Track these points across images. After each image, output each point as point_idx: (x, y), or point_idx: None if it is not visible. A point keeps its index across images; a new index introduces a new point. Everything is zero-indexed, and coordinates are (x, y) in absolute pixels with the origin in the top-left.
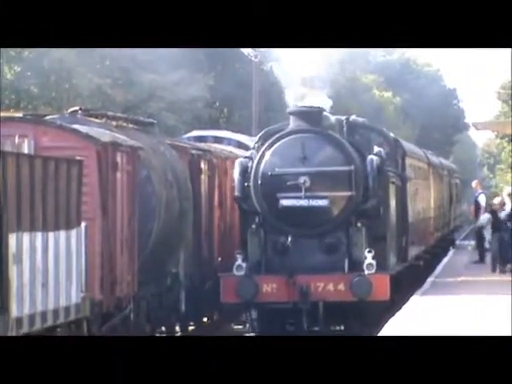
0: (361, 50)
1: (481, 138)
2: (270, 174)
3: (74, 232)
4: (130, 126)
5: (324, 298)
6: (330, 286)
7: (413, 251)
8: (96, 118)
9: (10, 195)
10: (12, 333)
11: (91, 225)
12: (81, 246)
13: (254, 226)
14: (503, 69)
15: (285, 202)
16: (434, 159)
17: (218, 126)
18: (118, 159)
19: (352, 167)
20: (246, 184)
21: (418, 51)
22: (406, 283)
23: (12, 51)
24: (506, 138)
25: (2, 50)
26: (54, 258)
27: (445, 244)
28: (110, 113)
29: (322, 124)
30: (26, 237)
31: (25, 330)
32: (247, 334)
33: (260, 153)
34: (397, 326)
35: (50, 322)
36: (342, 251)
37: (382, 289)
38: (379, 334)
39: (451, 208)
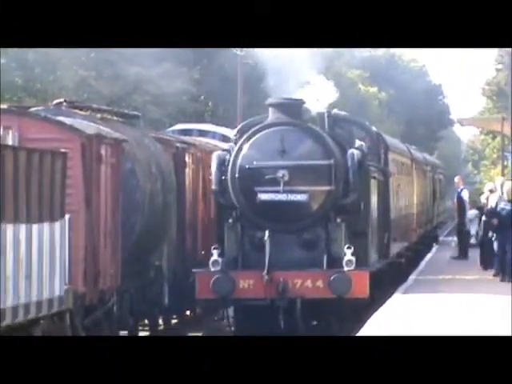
0: None
1: (465, 134)
2: (247, 167)
3: (57, 224)
4: (115, 118)
5: (302, 295)
6: (308, 283)
7: (395, 248)
8: (81, 110)
9: None
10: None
11: (75, 217)
12: (64, 239)
13: (230, 221)
14: (488, 65)
15: (263, 197)
16: (418, 154)
17: (203, 119)
18: (103, 152)
19: (332, 161)
20: (223, 177)
21: (405, 52)
22: (388, 280)
23: None
24: (491, 135)
25: None
26: (37, 250)
27: (428, 241)
28: (94, 105)
29: (303, 117)
30: (9, 228)
31: (7, 321)
32: (227, 330)
33: (238, 146)
34: (377, 324)
35: (33, 314)
36: (320, 247)
37: (361, 286)
38: (359, 333)
39: (435, 204)
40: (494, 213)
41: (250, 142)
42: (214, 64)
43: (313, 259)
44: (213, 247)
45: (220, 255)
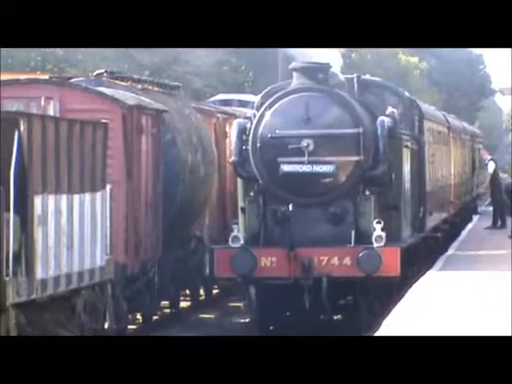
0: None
1: (507, 104)
2: (269, 136)
3: (98, 195)
4: (156, 89)
5: (328, 273)
6: (335, 260)
7: (431, 221)
8: (121, 80)
9: (35, 158)
10: (37, 294)
11: (116, 188)
12: (106, 209)
13: (252, 194)
14: None
15: (286, 168)
16: (456, 123)
17: (244, 89)
18: (143, 122)
19: (360, 129)
20: (243, 147)
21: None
22: (423, 256)
23: None
24: None
25: None
26: (78, 221)
27: (467, 212)
28: (135, 76)
29: (329, 82)
30: (51, 199)
31: (50, 291)
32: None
33: (260, 113)
34: (407, 306)
35: (74, 285)
36: (348, 222)
37: (391, 263)
38: (387, 319)
39: (474, 174)
40: None
41: (273, 109)
42: None
43: (340, 235)
44: (233, 222)
45: (241, 231)
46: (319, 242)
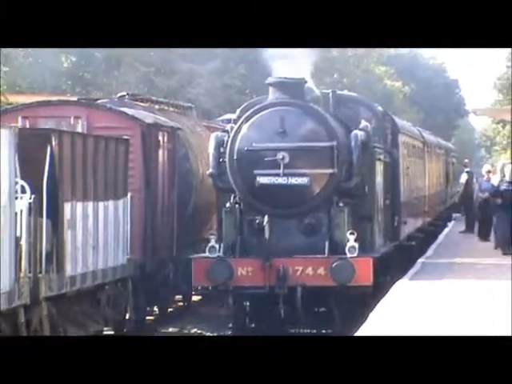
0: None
1: (479, 123)
2: (246, 149)
3: (121, 202)
4: (171, 109)
5: (302, 283)
6: (309, 270)
7: (405, 230)
8: (141, 101)
9: (65, 169)
10: (66, 289)
11: (136, 195)
12: (127, 215)
13: (228, 205)
14: (499, 63)
15: (262, 180)
16: (431, 138)
17: None
18: (160, 138)
19: (334, 143)
20: (221, 160)
21: (426, 51)
22: (397, 264)
23: None
24: (501, 123)
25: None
26: (103, 225)
27: (441, 221)
28: (153, 97)
29: (305, 97)
30: (79, 206)
31: (77, 286)
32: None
33: (236, 126)
34: (380, 315)
35: (99, 280)
36: (322, 233)
37: (364, 273)
38: (362, 326)
39: (448, 186)
40: (497, 192)
41: (249, 122)
42: (258, 60)
43: (314, 245)
44: (210, 232)
45: (217, 241)
46: (294, 252)
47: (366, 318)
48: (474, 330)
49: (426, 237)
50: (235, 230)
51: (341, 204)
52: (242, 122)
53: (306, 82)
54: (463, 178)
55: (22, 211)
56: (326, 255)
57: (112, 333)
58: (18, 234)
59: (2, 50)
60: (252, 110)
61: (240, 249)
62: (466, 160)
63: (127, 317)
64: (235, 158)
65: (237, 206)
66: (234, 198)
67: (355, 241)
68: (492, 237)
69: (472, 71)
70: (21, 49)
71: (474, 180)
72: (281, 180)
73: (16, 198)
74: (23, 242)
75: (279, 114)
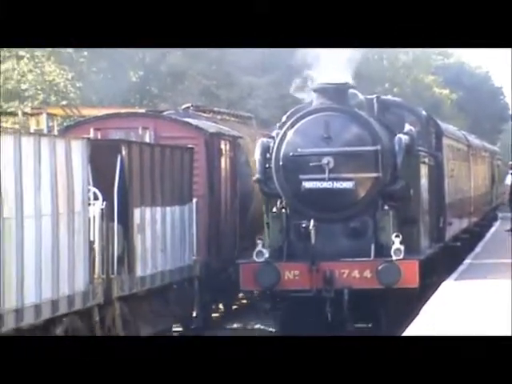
0: (423, 55)
1: None
2: (291, 154)
3: (186, 207)
4: (232, 119)
5: (349, 286)
6: (356, 273)
7: (451, 231)
8: (204, 112)
9: (134, 177)
10: (137, 289)
11: (201, 201)
12: (192, 219)
13: (275, 210)
14: None
15: (307, 185)
16: (476, 141)
17: None
18: (222, 146)
19: (378, 147)
20: (267, 165)
21: (471, 56)
22: (442, 265)
23: (136, 57)
24: None
25: (128, 56)
26: (170, 228)
27: (487, 222)
28: (215, 108)
29: (349, 102)
30: (147, 211)
31: (148, 286)
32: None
33: (282, 132)
34: (427, 316)
35: (167, 280)
36: (368, 236)
37: (410, 275)
38: (409, 327)
39: (493, 187)
40: None
41: (294, 128)
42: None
43: (360, 248)
44: (257, 237)
45: (264, 245)
46: (340, 255)
47: (412, 320)
48: None
49: (472, 237)
50: (282, 235)
51: (386, 207)
52: (287, 128)
53: (349, 87)
54: (508, 179)
55: (94, 217)
56: (371, 258)
57: (179, 329)
58: (92, 238)
59: (75, 66)
60: (297, 115)
61: (287, 253)
62: (511, 162)
63: (194, 314)
64: (281, 163)
65: (283, 210)
66: (281, 202)
67: (400, 243)
68: None
69: None
70: (94, 67)
71: None
72: (326, 184)
73: (89, 205)
74: (96, 246)
75: (324, 119)
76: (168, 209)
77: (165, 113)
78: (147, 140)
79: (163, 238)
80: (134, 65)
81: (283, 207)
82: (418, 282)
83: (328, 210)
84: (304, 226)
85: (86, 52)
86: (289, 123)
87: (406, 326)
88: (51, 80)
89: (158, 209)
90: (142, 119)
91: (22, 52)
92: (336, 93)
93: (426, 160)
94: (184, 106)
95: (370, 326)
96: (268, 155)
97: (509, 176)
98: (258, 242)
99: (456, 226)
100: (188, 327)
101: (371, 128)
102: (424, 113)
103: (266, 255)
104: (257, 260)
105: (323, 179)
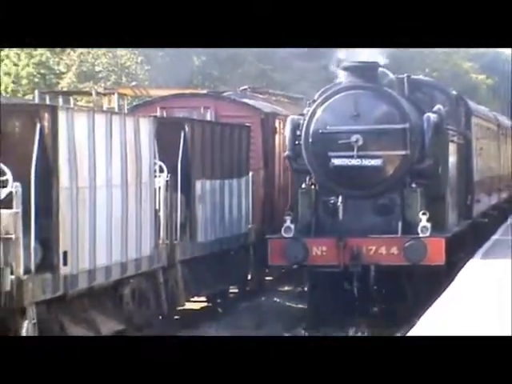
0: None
1: None
2: (320, 131)
3: (243, 179)
4: (285, 100)
5: (376, 262)
6: (383, 250)
7: (479, 208)
8: (260, 94)
9: (196, 152)
10: (198, 254)
11: (256, 174)
12: (248, 190)
13: (304, 186)
14: None
15: (336, 162)
16: (506, 122)
17: None
18: (277, 125)
19: (407, 125)
20: (296, 142)
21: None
22: (471, 241)
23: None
24: None
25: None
26: (228, 199)
27: None
28: (270, 90)
29: (378, 80)
30: (208, 183)
31: (207, 251)
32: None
33: (311, 110)
34: (450, 298)
35: (225, 247)
36: (395, 213)
37: (437, 253)
38: (432, 307)
39: None
40: None
41: (324, 106)
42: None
43: (387, 225)
44: (286, 213)
45: (293, 221)
46: (368, 232)
47: (437, 298)
48: None
49: (501, 214)
50: (310, 211)
51: (413, 185)
52: (316, 106)
53: (379, 66)
54: None
55: (160, 188)
56: (399, 235)
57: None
58: (157, 207)
59: (143, 50)
60: (326, 94)
61: (315, 229)
62: None
63: (249, 277)
64: (310, 140)
65: (312, 187)
66: (310, 179)
67: (427, 221)
68: None
69: None
70: (161, 52)
71: None
72: (354, 162)
73: (155, 177)
74: (161, 214)
75: (353, 97)
76: (226, 181)
77: (224, 94)
78: (208, 118)
79: (221, 208)
80: (196, 51)
81: (312, 183)
82: (445, 259)
83: (356, 187)
84: (332, 202)
85: None
86: (318, 101)
87: (431, 304)
88: (122, 63)
89: (218, 181)
90: (203, 99)
91: None
92: (365, 71)
93: (455, 139)
94: (242, 88)
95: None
96: (298, 132)
97: None
98: (287, 217)
99: (484, 203)
100: (244, 289)
101: (400, 106)
102: (454, 92)
103: (293, 231)
104: (285, 235)
105: (352, 156)
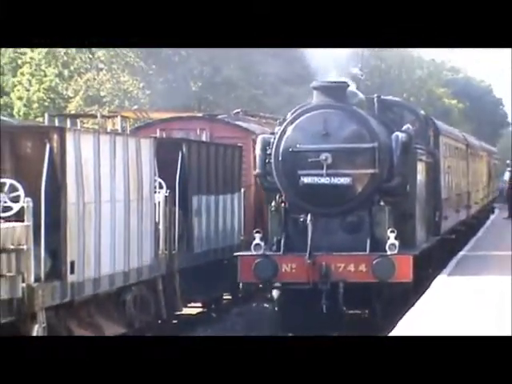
0: (436, 70)
1: None
2: (290, 150)
3: (236, 195)
4: (275, 122)
5: (344, 279)
6: (351, 267)
7: (447, 224)
8: (252, 117)
9: (193, 170)
10: (194, 263)
11: (248, 190)
12: (240, 205)
13: (274, 204)
14: None
15: (306, 180)
16: (474, 141)
17: None
18: None
19: (376, 144)
20: (267, 160)
21: (476, 71)
22: (438, 257)
23: (195, 70)
24: None
25: (189, 69)
26: (222, 213)
27: (484, 213)
28: (261, 113)
29: (349, 100)
30: (203, 198)
31: (203, 261)
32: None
33: (282, 128)
34: (419, 312)
35: (220, 256)
36: (364, 231)
37: (404, 270)
38: (401, 321)
39: (490, 183)
40: None
41: (294, 124)
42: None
43: (356, 243)
44: (255, 231)
45: (262, 239)
46: (337, 249)
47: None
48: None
49: (469, 229)
50: (280, 228)
51: (382, 203)
52: (287, 125)
53: (348, 86)
54: (506, 175)
55: (159, 202)
56: (367, 252)
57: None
58: (157, 220)
59: (145, 77)
60: (296, 112)
61: (285, 246)
62: (508, 161)
63: (241, 285)
64: (280, 158)
65: (282, 204)
66: (280, 197)
67: (395, 238)
68: None
69: None
70: (160, 78)
71: None
72: (324, 180)
73: (155, 192)
74: (161, 227)
75: (323, 116)
76: (220, 197)
77: (219, 117)
78: (204, 139)
79: (216, 221)
80: (193, 77)
81: (282, 201)
82: (412, 276)
83: (325, 204)
84: (302, 220)
85: (154, 66)
86: (289, 120)
87: (399, 321)
88: (125, 88)
89: (212, 197)
90: (199, 122)
91: (101, 65)
92: (335, 91)
93: (424, 157)
94: (235, 111)
95: (365, 312)
96: (268, 150)
97: (507, 173)
98: (256, 235)
99: (453, 219)
100: (236, 295)
101: (369, 125)
102: (422, 112)
103: (263, 248)
104: (255, 253)
105: (321, 175)
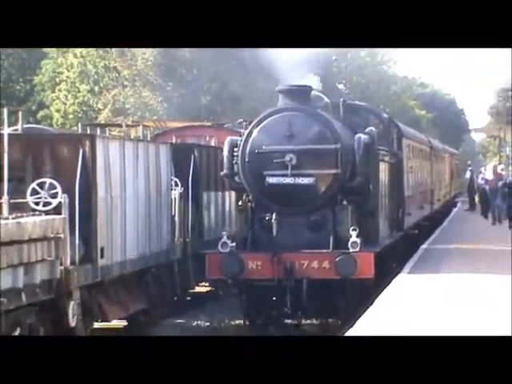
0: (408, 86)
1: (478, 137)
2: (256, 151)
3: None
4: None
5: (308, 276)
6: (315, 264)
7: (410, 220)
8: None
9: (203, 170)
10: (204, 249)
11: None
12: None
13: (241, 203)
14: (493, 96)
15: (271, 180)
16: (437, 144)
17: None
18: None
19: (338, 145)
20: (234, 162)
21: (441, 86)
22: (401, 251)
23: (205, 86)
24: (492, 137)
25: (199, 86)
26: (228, 207)
27: (447, 208)
28: None
29: (313, 103)
30: (212, 194)
31: (211, 247)
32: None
33: (248, 131)
34: (380, 308)
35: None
36: (327, 229)
37: (366, 267)
38: (362, 318)
39: (452, 181)
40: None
41: (259, 127)
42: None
43: (320, 241)
44: (222, 229)
45: (229, 237)
46: (301, 247)
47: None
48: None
49: (433, 223)
50: (247, 227)
51: (344, 202)
52: (253, 127)
53: (311, 90)
54: (467, 174)
55: (175, 198)
56: (330, 250)
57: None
58: (173, 213)
59: (163, 92)
60: (262, 115)
61: (251, 244)
62: (469, 162)
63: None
64: (246, 159)
65: (249, 204)
66: (247, 196)
67: (357, 236)
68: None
69: (474, 103)
70: (176, 93)
71: (475, 176)
72: (288, 180)
73: (171, 190)
74: (176, 218)
75: (287, 118)
76: (226, 193)
77: (225, 125)
78: (212, 145)
79: (222, 213)
80: (204, 92)
81: (249, 201)
82: (374, 272)
83: (290, 204)
84: (267, 218)
85: (170, 83)
86: (254, 122)
87: (360, 316)
88: (146, 102)
89: (219, 193)
90: (208, 130)
91: (126, 82)
92: (299, 94)
93: (386, 158)
94: (239, 121)
95: (327, 319)
96: (235, 152)
97: (468, 172)
98: (223, 233)
99: (416, 216)
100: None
101: (332, 127)
102: (386, 116)
103: (230, 246)
104: (222, 250)
105: (286, 175)
